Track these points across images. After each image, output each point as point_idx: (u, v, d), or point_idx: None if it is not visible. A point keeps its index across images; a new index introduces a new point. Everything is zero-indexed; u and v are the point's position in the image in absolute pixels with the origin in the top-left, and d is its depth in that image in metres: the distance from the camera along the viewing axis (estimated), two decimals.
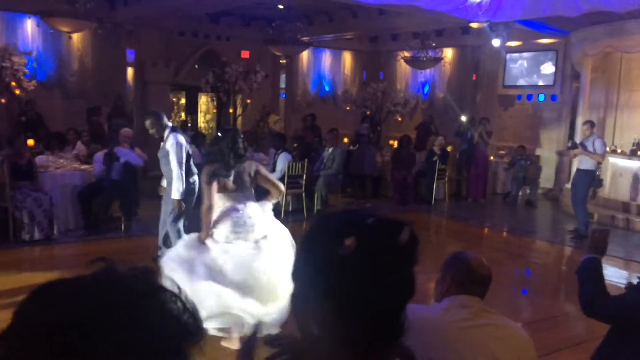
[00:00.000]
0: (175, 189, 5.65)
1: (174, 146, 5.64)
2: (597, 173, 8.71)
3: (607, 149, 8.94)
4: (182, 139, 5.77)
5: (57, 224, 7.17)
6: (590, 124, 8.66)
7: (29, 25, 11.37)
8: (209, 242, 4.21)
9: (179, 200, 5.69)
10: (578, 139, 10.71)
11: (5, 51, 10.30)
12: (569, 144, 9.13)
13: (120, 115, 10.95)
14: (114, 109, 11.18)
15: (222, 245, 4.20)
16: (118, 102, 11.37)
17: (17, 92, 9.91)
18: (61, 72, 11.92)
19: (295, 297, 1.04)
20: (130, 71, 13.31)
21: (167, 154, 5.67)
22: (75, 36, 11.33)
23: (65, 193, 7.60)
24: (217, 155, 4.28)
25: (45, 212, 6.97)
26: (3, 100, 10.34)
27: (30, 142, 8.01)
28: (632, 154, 9.71)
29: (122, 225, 7.75)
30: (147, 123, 5.80)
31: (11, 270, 5.86)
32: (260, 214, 4.33)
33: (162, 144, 5.80)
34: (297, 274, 1.04)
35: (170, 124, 5.92)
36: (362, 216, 1.02)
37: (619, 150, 10.02)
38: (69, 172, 7.74)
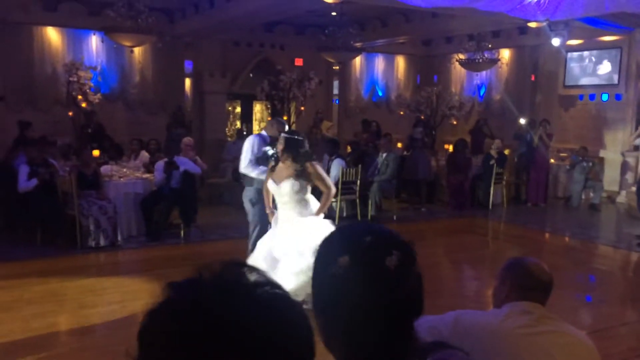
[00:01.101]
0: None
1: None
2: None
3: None
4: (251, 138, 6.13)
5: (121, 231, 7.46)
6: None
7: (94, 41, 11.92)
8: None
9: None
10: None
11: (73, 66, 10.85)
12: None
13: (179, 125, 11.29)
14: (173, 119, 11.53)
15: None
16: (177, 112, 11.71)
17: (84, 105, 10.40)
18: (123, 85, 12.43)
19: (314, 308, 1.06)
20: (188, 82, 13.71)
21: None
22: (137, 50, 11.76)
23: (128, 201, 7.90)
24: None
25: (110, 220, 7.27)
26: (70, 113, 10.89)
27: (96, 152, 8.38)
28: None
29: (182, 232, 7.96)
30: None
31: (80, 275, 6.15)
32: None
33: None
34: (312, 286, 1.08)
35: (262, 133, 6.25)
36: (361, 234, 1.03)
37: None
38: (131, 181, 8.04)
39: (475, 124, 12.88)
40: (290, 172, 4.76)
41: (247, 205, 6.04)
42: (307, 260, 4.33)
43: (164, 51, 12.19)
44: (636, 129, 11.58)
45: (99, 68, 11.76)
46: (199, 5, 11.41)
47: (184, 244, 7.73)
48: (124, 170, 8.46)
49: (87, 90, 10.39)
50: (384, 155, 9.51)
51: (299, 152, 4.78)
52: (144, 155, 9.36)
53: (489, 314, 2.07)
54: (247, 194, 6.00)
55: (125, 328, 4.66)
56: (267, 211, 5.23)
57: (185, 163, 8.06)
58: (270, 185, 4.93)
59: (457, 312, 2.05)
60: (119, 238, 7.38)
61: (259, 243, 5.08)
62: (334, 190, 4.95)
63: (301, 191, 4.80)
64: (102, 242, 7.20)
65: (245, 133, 13.98)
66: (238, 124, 15.27)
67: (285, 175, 4.79)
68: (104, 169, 8.20)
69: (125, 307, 5.15)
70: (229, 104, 14.72)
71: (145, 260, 6.99)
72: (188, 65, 13.51)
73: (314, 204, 4.92)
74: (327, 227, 4.66)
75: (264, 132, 6.22)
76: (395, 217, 9.50)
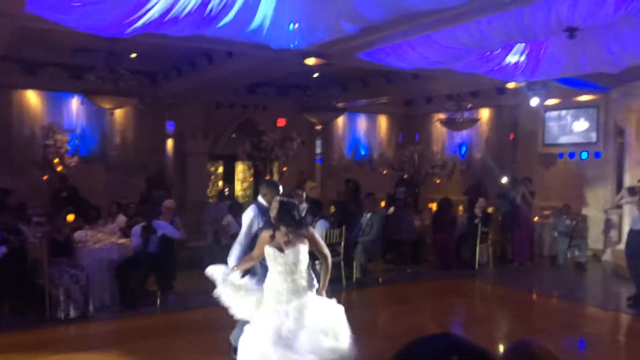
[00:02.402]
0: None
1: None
2: None
3: None
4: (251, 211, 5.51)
5: (93, 300, 7.09)
6: None
7: (74, 104, 11.86)
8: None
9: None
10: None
11: (50, 130, 10.72)
12: (626, 191, 8.51)
13: (160, 186, 11.09)
14: (154, 180, 11.34)
15: None
16: (158, 174, 11.55)
17: (60, 168, 10.19)
18: (103, 147, 12.30)
19: None
20: (169, 142, 13.62)
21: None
22: (118, 111, 11.73)
23: (103, 268, 7.57)
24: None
25: (82, 289, 6.93)
26: (44, 177, 10.65)
27: (70, 217, 8.11)
28: None
29: (158, 300, 7.62)
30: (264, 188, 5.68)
31: (47, 351, 5.77)
32: None
33: None
34: None
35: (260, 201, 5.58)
36: (446, 351, 0.90)
37: None
38: (106, 247, 7.74)
39: (472, 183, 12.84)
40: (289, 239, 4.41)
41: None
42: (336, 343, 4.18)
43: (146, 113, 12.15)
44: (617, 186, 11.63)
45: (78, 130, 11.64)
46: (182, 68, 11.48)
47: (160, 313, 7.37)
48: (99, 235, 8.17)
49: (64, 153, 10.22)
50: (368, 215, 9.36)
51: (295, 217, 4.45)
52: (121, 219, 9.10)
53: None
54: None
55: None
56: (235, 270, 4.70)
57: (163, 227, 7.82)
58: (272, 252, 4.43)
59: None
60: (91, 308, 7.00)
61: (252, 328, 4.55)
62: (330, 258, 4.60)
63: (300, 262, 4.40)
64: (72, 314, 6.82)
65: (227, 194, 13.82)
66: (220, 184, 15.10)
67: (284, 241, 4.40)
68: (78, 234, 7.92)
69: None
70: (210, 164, 14.60)
71: (119, 332, 6.63)
72: (170, 126, 13.46)
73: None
74: (337, 309, 4.41)
75: (260, 199, 5.60)
76: (380, 280, 9.26)
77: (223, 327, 6.71)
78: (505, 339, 6.89)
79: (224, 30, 6.80)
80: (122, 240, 8.05)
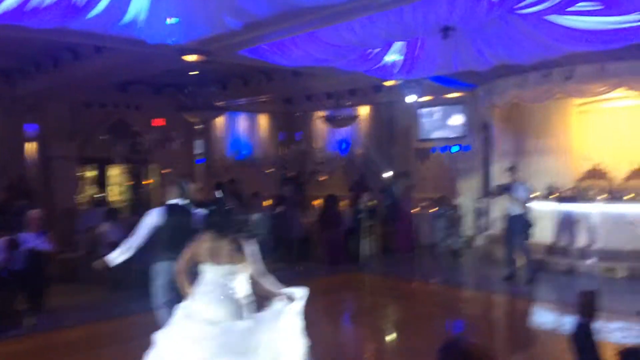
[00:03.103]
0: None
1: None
2: (527, 217, 8.82)
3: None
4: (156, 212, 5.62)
5: None
6: (513, 170, 8.90)
7: None
8: None
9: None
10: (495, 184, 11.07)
11: None
12: (495, 189, 9.28)
13: (22, 196, 10.02)
14: (14, 189, 10.21)
15: None
16: (19, 182, 10.42)
17: None
18: None
19: None
20: (30, 147, 12.38)
21: None
22: None
23: None
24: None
25: None
26: None
27: None
28: (547, 198, 10.08)
29: (26, 320, 6.83)
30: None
31: None
32: None
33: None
34: None
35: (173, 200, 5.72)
36: None
37: (535, 195, 10.38)
38: None
39: (356, 179, 13.07)
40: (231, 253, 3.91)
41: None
42: None
43: (2, 114, 10.93)
44: (485, 177, 12.52)
45: None
46: (42, 65, 10.42)
47: (30, 335, 6.60)
48: None
49: None
50: (256, 215, 9.19)
51: (233, 225, 4.04)
52: None
53: None
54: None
55: None
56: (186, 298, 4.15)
57: (30, 239, 7.06)
58: (211, 270, 3.92)
59: None
60: None
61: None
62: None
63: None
64: None
65: (101, 200, 12.87)
66: (91, 190, 14.03)
67: (227, 256, 3.90)
68: None
69: None
70: (80, 169, 13.51)
71: None
72: (31, 129, 12.21)
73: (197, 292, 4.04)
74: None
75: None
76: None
77: (104, 344, 6.22)
78: (393, 326, 7.16)
79: (93, 23, 6.27)
80: None
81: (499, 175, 11.22)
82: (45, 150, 12.08)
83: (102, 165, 13.93)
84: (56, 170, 12.10)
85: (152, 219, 5.60)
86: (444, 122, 13.25)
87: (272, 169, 14.04)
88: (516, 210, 8.66)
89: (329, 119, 12.82)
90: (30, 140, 12.27)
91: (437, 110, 13.38)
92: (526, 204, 8.69)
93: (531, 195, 8.98)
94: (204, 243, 3.96)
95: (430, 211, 12.13)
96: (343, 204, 12.00)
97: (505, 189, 8.80)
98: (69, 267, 9.81)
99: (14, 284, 6.77)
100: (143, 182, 12.23)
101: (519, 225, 8.65)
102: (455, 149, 13.05)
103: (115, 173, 14.33)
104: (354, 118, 13.04)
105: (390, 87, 12.47)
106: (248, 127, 15.74)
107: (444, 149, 13.28)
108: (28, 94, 11.31)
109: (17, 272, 6.81)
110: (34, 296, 7.07)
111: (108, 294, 8.39)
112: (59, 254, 9.16)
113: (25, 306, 6.93)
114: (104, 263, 5.43)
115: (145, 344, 5.80)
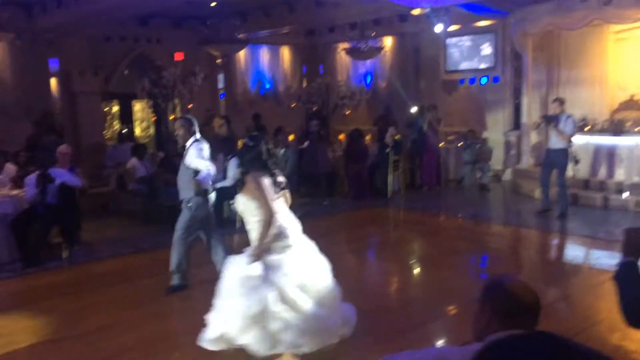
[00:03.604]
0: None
1: (196, 149, 5.46)
2: (573, 151, 8.51)
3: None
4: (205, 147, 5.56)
5: None
6: (560, 101, 8.53)
7: None
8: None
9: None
10: (527, 118, 10.80)
11: None
12: (542, 119, 8.87)
13: (50, 131, 10.07)
14: (42, 125, 10.26)
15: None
16: (46, 117, 10.44)
17: None
18: None
19: None
20: (54, 82, 12.35)
21: (184, 165, 5.54)
22: None
23: None
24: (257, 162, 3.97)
25: None
26: None
27: None
28: (581, 130, 9.78)
29: (64, 253, 7.03)
30: (177, 124, 5.66)
31: None
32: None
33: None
34: None
35: (197, 135, 5.60)
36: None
37: None
38: None
39: (381, 113, 12.82)
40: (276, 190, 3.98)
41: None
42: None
43: (24, 49, 10.84)
44: (515, 109, 12.21)
45: None
46: None
47: (68, 267, 6.81)
48: None
49: None
50: (282, 150, 9.13)
51: (245, 160, 4.01)
52: (10, 168, 8.19)
53: (473, 349, 1.76)
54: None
55: None
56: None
57: (61, 175, 7.12)
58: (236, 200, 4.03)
59: (436, 350, 1.74)
60: None
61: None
62: (269, 217, 3.80)
63: (251, 212, 3.88)
64: None
65: (125, 133, 12.91)
66: (117, 124, 14.10)
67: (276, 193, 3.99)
68: None
69: (3, 359, 4.33)
70: (105, 104, 13.51)
71: (23, 292, 6.04)
72: (54, 64, 12.15)
73: (289, 228, 3.98)
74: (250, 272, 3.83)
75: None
76: (298, 215, 9.16)
77: (138, 277, 6.39)
78: (419, 261, 7.17)
79: None
80: (15, 192, 7.27)
81: (529, 108, 10.93)
82: (69, 85, 12.05)
83: (126, 100, 13.91)
84: (81, 106, 12.11)
85: (207, 151, 5.55)
86: (473, 53, 12.80)
87: (296, 103, 13.84)
88: (560, 143, 8.37)
89: (353, 51, 12.44)
90: (53, 75, 12.24)
91: (465, 40, 12.91)
92: (571, 138, 8.35)
93: (576, 129, 8.58)
94: (264, 182, 3.90)
95: (457, 145, 11.96)
96: (368, 138, 11.88)
97: (551, 120, 8.43)
98: (99, 201, 10.00)
99: (48, 218, 6.89)
100: (170, 118, 12.17)
101: (562, 159, 8.38)
102: (484, 80, 12.68)
103: (138, 108, 14.32)
104: (378, 49, 12.63)
105: (417, 16, 12.01)
106: (270, 61, 15.44)
107: (472, 80, 12.91)
108: (48, 29, 11.15)
109: (50, 206, 6.90)
110: (69, 230, 7.21)
111: (138, 228, 8.56)
112: (89, 189, 9.32)
113: (60, 239, 7.10)
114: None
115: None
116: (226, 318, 3.84)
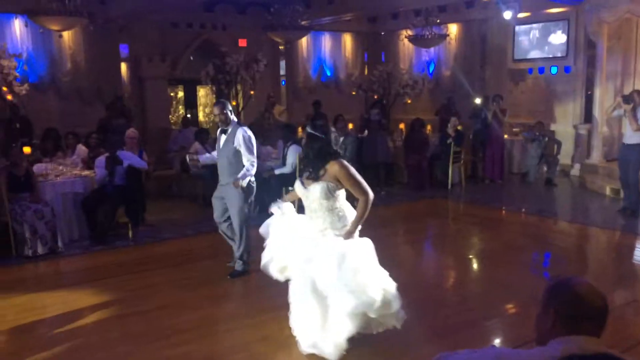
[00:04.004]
0: (243, 172, 5.56)
1: (246, 139, 5.56)
2: None
3: None
4: (252, 137, 5.65)
5: (61, 236, 6.76)
6: (638, 92, 8.08)
7: (17, 26, 10.87)
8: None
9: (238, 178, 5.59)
10: (599, 110, 10.29)
11: None
12: (621, 98, 8.35)
13: (119, 115, 10.47)
14: (112, 109, 10.67)
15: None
16: (116, 101, 10.86)
17: (9, 97, 9.43)
18: (54, 73, 11.43)
19: None
20: (124, 67, 12.82)
21: (233, 148, 5.56)
22: (66, 34, 10.83)
23: (67, 202, 7.19)
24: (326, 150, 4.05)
25: (48, 225, 6.56)
26: None
27: (27, 149, 7.56)
28: None
29: (130, 233, 7.33)
30: (217, 109, 5.62)
31: (17, 290, 5.48)
32: None
33: (223, 136, 5.65)
34: None
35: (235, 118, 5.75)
36: None
37: None
38: (70, 180, 7.30)
39: (444, 103, 12.56)
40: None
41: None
42: (358, 297, 3.74)
43: (97, 35, 11.27)
44: (586, 101, 11.66)
45: (24, 55, 10.72)
46: None
47: (133, 246, 7.09)
48: (61, 168, 7.68)
49: (12, 81, 9.41)
50: (342, 138, 9.10)
51: (318, 150, 4.03)
52: (82, 150, 8.58)
53: (534, 354, 1.70)
54: None
55: (72, 356, 4.12)
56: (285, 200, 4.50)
57: (129, 157, 7.41)
58: (297, 187, 4.14)
59: (495, 350, 1.69)
60: (60, 244, 6.68)
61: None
62: (371, 196, 3.98)
63: (332, 197, 3.97)
64: (40, 250, 6.50)
65: (189, 118, 13.24)
66: (181, 109, 14.48)
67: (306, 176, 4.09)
68: (38, 167, 7.43)
69: (72, 330, 4.56)
70: (170, 89, 13.90)
71: (92, 268, 6.34)
72: (124, 50, 12.60)
73: (350, 213, 4.06)
74: (367, 248, 3.92)
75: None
76: (355, 203, 9.15)
77: (199, 258, 6.57)
78: (478, 256, 6.98)
79: None
80: (86, 173, 7.61)
81: (602, 100, 10.40)
82: (137, 70, 12.47)
83: (190, 86, 14.25)
84: (149, 91, 12.52)
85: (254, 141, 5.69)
86: (543, 41, 12.28)
87: (356, 91, 13.75)
88: (634, 138, 7.89)
89: (416, 38, 12.19)
90: (124, 60, 12.69)
91: (535, 28, 12.40)
92: None
93: None
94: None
95: (523, 137, 11.55)
96: (429, 128, 11.66)
97: (630, 100, 7.94)
98: (164, 184, 10.34)
99: (116, 199, 7.17)
100: (232, 103, 12.38)
101: (636, 155, 7.92)
102: (554, 70, 12.15)
103: (202, 94, 14.65)
104: (443, 37, 12.31)
105: (485, 3, 11.65)
106: (332, 48, 15.38)
107: (541, 70, 12.40)
108: (119, 15, 11.54)
109: (118, 187, 7.19)
110: (135, 210, 7.49)
111: (200, 211, 8.78)
112: (154, 172, 9.65)
113: (126, 220, 7.39)
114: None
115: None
116: (333, 295, 3.81)
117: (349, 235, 3.95)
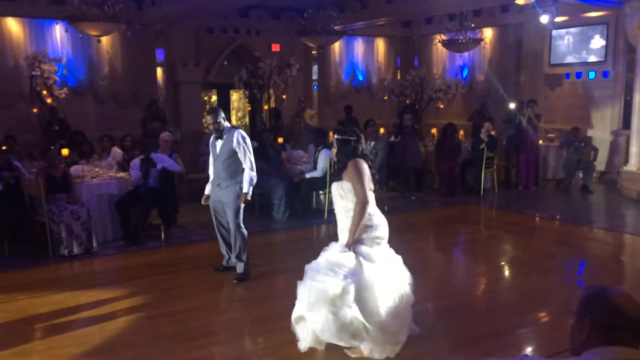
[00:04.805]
0: (248, 183, 5.65)
1: (243, 139, 5.63)
2: None
3: None
4: (248, 139, 5.75)
5: (96, 236, 6.92)
6: None
7: (58, 31, 11.20)
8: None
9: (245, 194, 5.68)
10: (638, 116, 10.02)
11: (35, 59, 10.13)
12: None
13: (155, 119, 10.67)
14: (148, 112, 10.89)
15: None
16: (152, 105, 11.07)
17: (49, 100, 9.71)
18: (92, 77, 11.74)
19: None
20: (160, 72, 13.07)
21: (231, 149, 5.60)
22: (105, 39, 11.10)
23: (102, 203, 7.35)
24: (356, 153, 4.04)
25: (84, 225, 6.72)
26: (35, 110, 10.17)
27: (65, 151, 7.77)
28: None
29: (162, 234, 7.44)
30: (210, 118, 5.71)
31: (53, 288, 5.62)
32: None
33: (218, 141, 5.73)
34: None
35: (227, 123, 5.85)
36: None
37: None
38: (105, 182, 7.46)
39: (477, 108, 12.41)
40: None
41: None
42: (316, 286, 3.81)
43: (134, 40, 11.53)
44: (625, 107, 11.36)
45: (64, 60, 11.04)
46: None
47: (165, 248, 7.21)
48: (97, 170, 7.86)
49: (52, 85, 9.69)
50: (372, 143, 9.07)
51: (344, 151, 4.04)
52: (117, 152, 8.77)
53: None
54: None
55: (103, 355, 4.19)
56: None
57: (163, 160, 7.53)
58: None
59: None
60: (95, 244, 6.84)
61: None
62: (367, 203, 3.86)
63: (345, 197, 3.95)
64: (75, 250, 6.65)
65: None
66: None
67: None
68: (74, 169, 7.62)
69: (103, 329, 4.65)
70: (204, 93, 14.10)
71: (125, 268, 6.47)
72: (160, 54, 12.85)
73: (381, 222, 4.02)
74: (367, 267, 3.85)
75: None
76: (386, 208, 9.09)
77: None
78: (510, 263, 6.85)
79: None
80: (121, 175, 7.77)
81: None
82: (172, 75, 12.69)
83: (223, 90, 14.43)
84: (183, 95, 12.73)
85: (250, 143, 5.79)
86: (581, 45, 12.01)
87: (388, 96, 13.70)
88: None
89: (450, 43, 12.08)
90: (160, 65, 12.94)
91: (573, 32, 12.14)
92: None
93: None
94: (365, 168, 4.01)
95: (558, 143, 11.30)
96: (461, 134, 11.52)
97: None
98: (196, 186, 10.44)
99: (149, 201, 7.29)
100: (264, 107, 12.49)
101: None
102: (592, 75, 11.87)
103: (235, 98, 14.82)
104: (477, 41, 12.17)
105: (520, 7, 11.46)
106: (365, 52, 15.36)
107: (578, 75, 12.13)
108: (156, 20, 11.78)
109: (152, 189, 7.31)
110: (168, 212, 7.60)
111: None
112: (186, 175, 9.77)
113: (159, 221, 7.51)
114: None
115: (260, 262, 6.10)
116: (302, 295, 3.89)
117: (345, 246, 3.91)
